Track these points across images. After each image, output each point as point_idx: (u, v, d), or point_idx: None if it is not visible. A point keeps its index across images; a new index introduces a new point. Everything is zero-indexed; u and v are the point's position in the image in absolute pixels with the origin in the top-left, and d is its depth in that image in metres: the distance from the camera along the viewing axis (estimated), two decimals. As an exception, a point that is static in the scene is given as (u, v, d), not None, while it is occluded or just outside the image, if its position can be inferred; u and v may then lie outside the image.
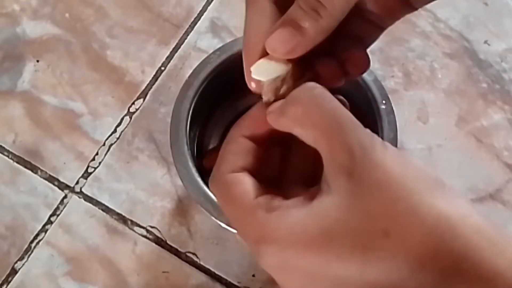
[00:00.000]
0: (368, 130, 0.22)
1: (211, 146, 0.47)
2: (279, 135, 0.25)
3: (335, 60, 0.27)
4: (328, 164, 0.22)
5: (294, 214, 0.22)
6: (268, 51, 0.24)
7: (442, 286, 0.19)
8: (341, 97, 0.27)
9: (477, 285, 0.19)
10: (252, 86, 0.25)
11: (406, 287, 0.20)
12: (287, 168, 0.27)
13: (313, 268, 0.21)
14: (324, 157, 0.22)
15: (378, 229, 0.20)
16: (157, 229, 0.48)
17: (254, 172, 0.25)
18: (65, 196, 0.49)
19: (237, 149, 0.25)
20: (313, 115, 0.22)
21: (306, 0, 0.23)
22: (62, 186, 0.50)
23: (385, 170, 0.21)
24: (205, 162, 0.44)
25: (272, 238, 0.22)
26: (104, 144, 0.51)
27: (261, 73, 0.25)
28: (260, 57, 0.25)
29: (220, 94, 0.44)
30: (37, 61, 0.54)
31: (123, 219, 0.48)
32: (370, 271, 0.20)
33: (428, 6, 0.56)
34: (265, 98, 0.25)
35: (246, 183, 0.24)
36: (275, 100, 0.25)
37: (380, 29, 0.28)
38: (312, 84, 0.23)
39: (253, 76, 0.25)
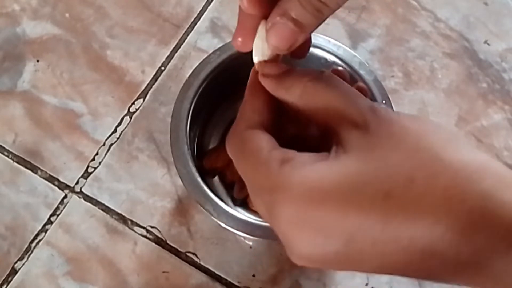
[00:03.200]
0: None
1: (211, 146, 0.47)
2: None
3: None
4: (340, 128, 0.22)
5: (310, 166, 0.21)
6: (271, 47, 0.24)
7: (470, 229, 0.18)
8: (362, 84, 0.28)
9: (503, 226, 0.18)
10: (237, 43, 0.26)
11: (431, 236, 0.19)
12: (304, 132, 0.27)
13: (329, 220, 0.20)
14: (335, 122, 0.22)
15: (402, 176, 0.19)
16: (157, 229, 0.48)
17: (272, 130, 0.25)
18: (65, 196, 0.49)
19: (252, 107, 0.25)
20: (318, 92, 0.23)
21: (310, 1, 0.23)
22: (62, 186, 0.50)
23: (402, 125, 0.21)
24: (205, 162, 0.44)
25: (285, 187, 0.21)
26: (104, 144, 0.51)
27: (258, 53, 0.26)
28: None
29: (220, 94, 0.44)
30: (37, 61, 0.54)
31: (123, 219, 0.48)
32: (392, 221, 0.19)
33: (428, 6, 0.57)
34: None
35: (262, 138, 0.24)
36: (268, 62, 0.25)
37: None
38: (317, 71, 0.24)
39: (254, 57, 0.26)
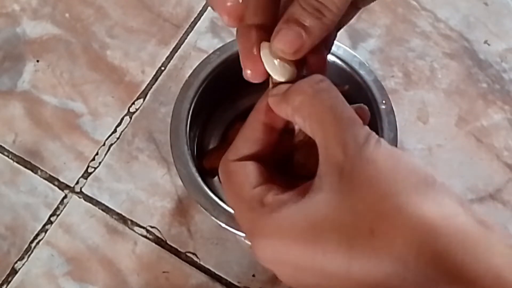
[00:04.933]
0: (366, 128, 0.22)
1: (211, 146, 0.47)
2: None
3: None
4: (322, 158, 0.22)
5: (285, 210, 0.22)
6: (275, 52, 0.24)
7: (425, 285, 0.19)
8: (364, 106, 0.28)
9: (456, 286, 0.19)
10: (248, 75, 0.25)
11: (390, 284, 0.20)
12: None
13: (301, 260, 0.22)
14: (320, 150, 0.22)
15: (364, 227, 0.20)
16: (157, 229, 0.48)
17: (265, 157, 0.25)
18: (65, 196, 0.49)
19: (248, 136, 0.26)
20: (313, 106, 0.23)
21: (307, 1, 0.23)
22: (62, 186, 0.50)
23: (375, 167, 0.21)
24: (205, 162, 0.44)
25: (262, 232, 0.23)
26: (104, 144, 0.51)
27: (277, 73, 0.25)
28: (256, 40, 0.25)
29: (220, 94, 0.44)
30: (37, 61, 0.54)
31: (123, 219, 0.48)
32: (355, 266, 0.20)
33: (428, 6, 0.57)
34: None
35: (247, 171, 0.25)
36: (278, 84, 0.25)
37: (336, 32, 0.29)
38: (320, 76, 0.24)
39: (273, 75, 0.25)
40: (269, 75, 0.25)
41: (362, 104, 0.27)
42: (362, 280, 0.20)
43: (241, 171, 0.25)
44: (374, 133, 0.22)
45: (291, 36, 0.23)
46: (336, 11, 0.23)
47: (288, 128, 0.27)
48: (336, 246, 0.21)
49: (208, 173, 0.43)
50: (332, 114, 0.22)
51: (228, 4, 0.24)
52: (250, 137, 0.25)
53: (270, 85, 0.25)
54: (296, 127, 0.27)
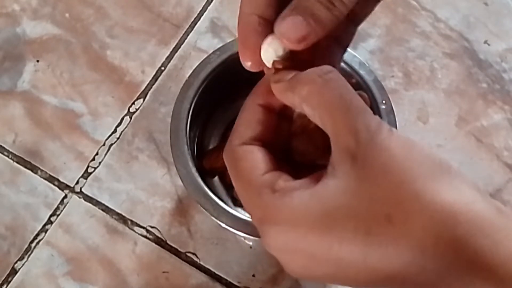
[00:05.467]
0: (377, 116, 0.22)
1: (211, 146, 0.47)
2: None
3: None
4: (334, 146, 0.22)
5: (298, 196, 0.22)
6: (278, 37, 0.23)
7: (444, 273, 0.19)
8: (363, 93, 0.27)
9: (476, 274, 0.18)
10: (247, 64, 0.25)
11: (408, 272, 0.20)
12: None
13: (315, 250, 0.21)
14: (331, 139, 0.22)
15: (381, 214, 0.20)
16: (157, 229, 0.48)
17: (268, 141, 0.25)
18: (65, 196, 0.49)
19: (249, 118, 0.25)
20: (322, 96, 0.22)
21: None
22: (62, 186, 0.50)
23: (390, 154, 0.21)
24: (205, 162, 0.44)
25: (274, 219, 0.22)
26: (104, 144, 0.51)
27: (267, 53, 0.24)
28: (255, 36, 0.24)
29: (220, 94, 0.44)
30: (37, 61, 0.54)
31: (123, 219, 0.48)
32: (373, 255, 0.20)
33: (428, 6, 0.57)
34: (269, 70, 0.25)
35: (255, 157, 0.24)
36: (279, 70, 0.24)
37: (354, 27, 0.28)
38: (328, 67, 0.23)
39: (262, 55, 0.24)
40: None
41: (361, 91, 0.26)
42: (380, 269, 0.20)
43: (249, 157, 0.24)
44: (385, 122, 0.22)
45: (298, 21, 0.22)
46: (347, 3, 0.22)
47: (285, 114, 0.26)
48: (353, 234, 0.20)
49: (208, 173, 0.43)
50: (342, 102, 0.22)
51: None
52: (251, 119, 0.25)
53: (272, 70, 0.24)
54: (294, 114, 0.26)
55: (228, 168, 0.25)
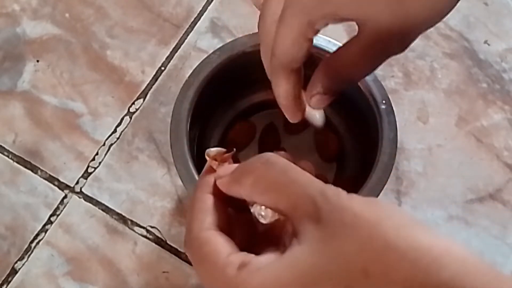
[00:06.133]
0: (330, 184, 0.22)
1: (211, 146, 0.47)
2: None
3: None
4: (293, 218, 0.21)
5: (266, 268, 0.21)
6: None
7: None
8: (306, 162, 0.30)
9: None
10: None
11: None
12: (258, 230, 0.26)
13: None
14: (289, 214, 0.22)
15: (357, 269, 0.19)
16: (157, 229, 0.48)
17: (226, 230, 0.24)
18: (65, 196, 0.49)
19: (204, 206, 0.25)
20: (268, 179, 0.23)
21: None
22: (62, 186, 0.50)
23: (354, 212, 0.20)
24: (205, 162, 0.44)
25: None
26: (104, 144, 0.51)
27: None
28: None
29: (220, 94, 0.44)
30: (37, 61, 0.54)
31: (123, 219, 0.48)
32: None
33: (428, 6, 0.56)
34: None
35: (219, 240, 0.23)
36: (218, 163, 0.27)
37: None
38: (267, 154, 0.24)
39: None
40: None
41: (303, 161, 0.28)
42: None
43: (212, 241, 0.23)
44: (341, 188, 0.22)
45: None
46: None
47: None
48: None
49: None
50: (289, 178, 0.22)
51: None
52: (206, 207, 0.25)
53: (212, 165, 0.27)
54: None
55: (190, 256, 0.24)
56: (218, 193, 0.25)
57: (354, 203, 0.20)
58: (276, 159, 0.23)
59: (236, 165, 0.26)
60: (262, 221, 0.23)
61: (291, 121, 0.32)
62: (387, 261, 0.19)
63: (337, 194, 0.21)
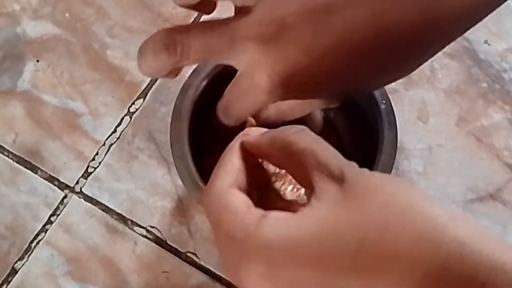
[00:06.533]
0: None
1: (211, 146, 0.47)
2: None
3: None
4: (317, 176, 0.22)
5: (286, 220, 0.22)
6: None
7: (446, 277, 0.19)
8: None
9: (479, 277, 0.18)
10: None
11: (407, 285, 0.19)
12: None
13: (299, 278, 0.21)
14: (314, 170, 0.23)
15: (377, 222, 0.20)
16: (157, 229, 0.48)
17: (247, 188, 0.25)
18: (65, 196, 0.49)
19: (230, 168, 0.26)
20: (300, 144, 0.24)
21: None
22: (62, 186, 0.50)
23: (377, 180, 0.21)
24: (205, 162, 0.44)
25: (259, 244, 0.21)
26: (104, 144, 0.51)
27: None
28: None
29: (220, 94, 0.44)
30: (37, 61, 0.54)
31: (123, 219, 0.48)
32: (366, 276, 0.19)
33: (428, 6, 0.56)
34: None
35: (240, 195, 0.24)
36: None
37: None
38: (298, 126, 0.25)
39: None
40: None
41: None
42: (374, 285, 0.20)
43: (235, 193, 0.24)
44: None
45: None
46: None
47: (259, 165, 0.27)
48: (341, 257, 0.20)
49: (208, 173, 0.43)
50: (323, 145, 0.23)
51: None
52: (233, 169, 0.26)
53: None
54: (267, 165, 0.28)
55: (207, 209, 0.25)
56: (246, 160, 0.26)
57: (377, 175, 0.22)
58: (310, 131, 0.25)
59: (267, 129, 0.27)
60: (286, 196, 0.24)
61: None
62: (407, 216, 0.20)
63: (361, 170, 0.22)
